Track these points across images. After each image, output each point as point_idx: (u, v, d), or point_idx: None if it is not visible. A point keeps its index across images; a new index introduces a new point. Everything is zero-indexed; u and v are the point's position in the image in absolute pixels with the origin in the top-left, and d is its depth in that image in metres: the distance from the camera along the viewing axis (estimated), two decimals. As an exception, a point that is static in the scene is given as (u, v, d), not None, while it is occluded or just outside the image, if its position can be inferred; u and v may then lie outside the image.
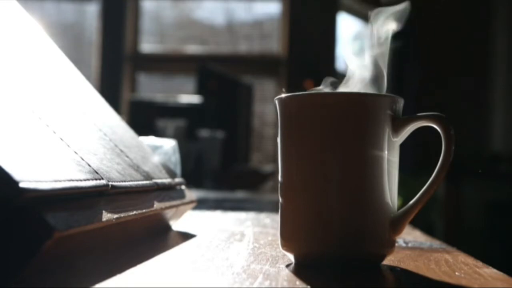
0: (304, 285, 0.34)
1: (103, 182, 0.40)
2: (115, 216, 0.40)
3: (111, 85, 3.51)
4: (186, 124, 2.14)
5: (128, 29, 3.63)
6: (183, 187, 0.65)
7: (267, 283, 0.34)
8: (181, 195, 0.62)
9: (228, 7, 3.70)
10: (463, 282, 0.36)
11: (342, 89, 0.44)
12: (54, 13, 3.69)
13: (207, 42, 3.69)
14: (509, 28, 3.46)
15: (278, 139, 0.43)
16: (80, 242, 0.36)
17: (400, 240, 0.56)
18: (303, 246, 0.41)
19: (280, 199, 0.43)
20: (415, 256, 0.46)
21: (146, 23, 3.72)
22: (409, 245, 0.53)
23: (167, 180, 0.58)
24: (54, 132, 0.41)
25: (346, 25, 3.68)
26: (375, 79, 0.43)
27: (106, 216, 0.38)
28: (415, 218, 0.41)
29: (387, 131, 0.41)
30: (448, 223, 3.08)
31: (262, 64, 3.63)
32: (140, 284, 0.34)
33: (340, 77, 0.45)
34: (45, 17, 3.58)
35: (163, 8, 3.76)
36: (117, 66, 3.59)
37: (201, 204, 0.89)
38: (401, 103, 0.42)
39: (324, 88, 0.44)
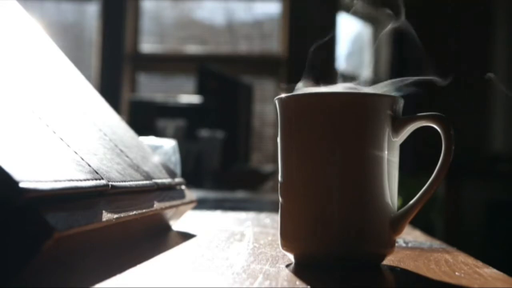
0: (304, 285, 0.34)
1: (103, 182, 0.40)
2: (115, 216, 0.40)
3: (111, 85, 3.51)
4: (186, 124, 2.14)
5: (128, 29, 3.63)
6: (183, 187, 0.65)
7: (267, 283, 0.34)
8: (181, 195, 0.62)
9: (228, 7, 3.70)
10: (463, 282, 0.36)
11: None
12: (54, 13, 3.69)
13: (207, 42, 3.69)
14: (509, 28, 3.46)
15: (278, 139, 0.43)
16: (80, 242, 0.36)
17: (400, 240, 0.56)
18: (303, 246, 0.41)
19: (280, 199, 0.43)
20: (415, 256, 0.46)
21: (146, 23, 3.72)
22: (409, 245, 0.53)
23: (167, 180, 0.58)
24: (54, 132, 0.41)
25: (346, 25, 3.69)
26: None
27: (106, 216, 0.38)
28: (415, 218, 0.41)
29: (387, 131, 0.41)
30: (448, 223, 3.08)
31: (262, 64, 3.63)
32: (140, 284, 0.34)
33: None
34: (45, 17, 3.57)
35: (163, 8, 3.76)
36: (117, 66, 3.58)
37: (201, 204, 0.89)
38: (401, 103, 0.42)
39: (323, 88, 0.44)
